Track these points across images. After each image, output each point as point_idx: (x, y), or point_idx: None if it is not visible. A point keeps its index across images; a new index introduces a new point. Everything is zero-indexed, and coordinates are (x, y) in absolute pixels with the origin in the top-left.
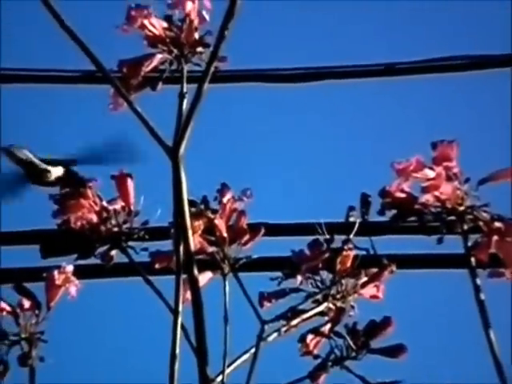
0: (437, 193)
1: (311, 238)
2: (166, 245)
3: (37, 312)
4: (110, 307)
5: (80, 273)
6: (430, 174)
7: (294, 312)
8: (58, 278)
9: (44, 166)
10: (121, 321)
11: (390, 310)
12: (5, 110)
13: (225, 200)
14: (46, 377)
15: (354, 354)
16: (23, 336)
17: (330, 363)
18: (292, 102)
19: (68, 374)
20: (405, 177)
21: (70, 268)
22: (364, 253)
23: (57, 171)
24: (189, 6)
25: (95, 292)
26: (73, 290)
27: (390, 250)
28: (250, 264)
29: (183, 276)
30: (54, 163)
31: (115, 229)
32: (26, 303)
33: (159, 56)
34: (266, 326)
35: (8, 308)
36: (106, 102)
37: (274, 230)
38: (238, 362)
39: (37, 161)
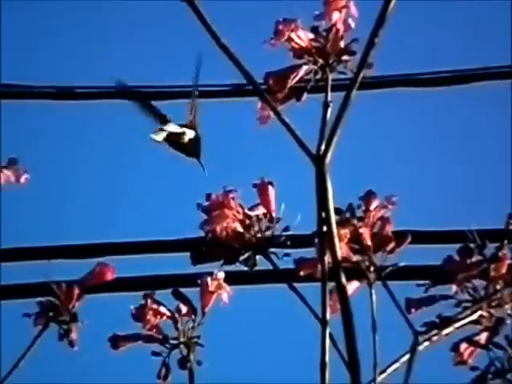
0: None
1: (458, 245)
2: (308, 252)
3: (193, 317)
4: (256, 313)
5: (229, 279)
6: None
7: (446, 320)
8: (211, 284)
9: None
10: (266, 327)
11: None
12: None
13: (370, 207)
14: (204, 380)
15: None
16: (182, 340)
17: (489, 375)
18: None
19: (222, 378)
20: None
21: (221, 274)
22: None
23: (190, 132)
24: (335, 16)
25: (242, 298)
26: (225, 296)
27: None
28: (396, 272)
29: (330, 284)
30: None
31: (258, 235)
32: (184, 308)
33: (305, 67)
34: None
35: (168, 313)
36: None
37: (421, 237)
38: (389, 370)
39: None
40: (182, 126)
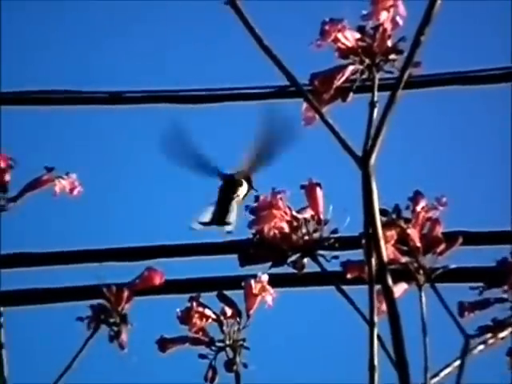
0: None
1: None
2: (356, 254)
3: (238, 320)
4: (303, 316)
5: (275, 282)
6: None
7: (500, 324)
8: (255, 287)
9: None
10: (314, 329)
11: None
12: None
13: (418, 208)
14: (250, 382)
15: None
16: (228, 343)
17: None
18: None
19: (268, 380)
20: None
21: (265, 277)
22: None
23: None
24: (383, 15)
25: (290, 300)
26: (269, 298)
27: None
28: (447, 274)
29: (377, 286)
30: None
31: (306, 237)
32: (228, 311)
33: (351, 67)
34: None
35: (213, 315)
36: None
37: (474, 238)
38: (442, 374)
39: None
40: (232, 179)
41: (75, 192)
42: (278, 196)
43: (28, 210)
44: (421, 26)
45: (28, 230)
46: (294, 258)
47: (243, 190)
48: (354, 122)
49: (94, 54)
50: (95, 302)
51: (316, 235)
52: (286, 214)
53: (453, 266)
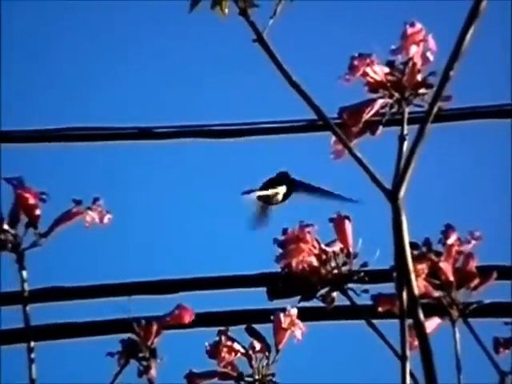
0: None
1: None
2: (386, 288)
3: (267, 354)
4: (333, 350)
5: (304, 315)
6: None
7: None
8: (284, 321)
9: (272, 190)
10: (344, 364)
11: None
12: None
13: (450, 241)
14: None
15: None
16: (257, 377)
17: None
18: None
19: None
20: None
21: (294, 311)
22: None
23: (282, 189)
24: (413, 50)
25: (320, 334)
26: (298, 332)
27: None
28: (481, 309)
29: (408, 321)
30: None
31: (335, 271)
32: (257, 345)
33: (380, 101)
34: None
35: (242, 350)
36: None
37: (508, 273)
38: None
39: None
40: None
41: (105, 220)
42: (306, 229)
43: (57, 244)
44: (450, 60)
45: (58, 265)
46: (323, 291)
47: (282, 188)
48: (384, 155)
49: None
50: (125, 336)
51: (345, 268)
52: (314, 247)
53: (487, 301)
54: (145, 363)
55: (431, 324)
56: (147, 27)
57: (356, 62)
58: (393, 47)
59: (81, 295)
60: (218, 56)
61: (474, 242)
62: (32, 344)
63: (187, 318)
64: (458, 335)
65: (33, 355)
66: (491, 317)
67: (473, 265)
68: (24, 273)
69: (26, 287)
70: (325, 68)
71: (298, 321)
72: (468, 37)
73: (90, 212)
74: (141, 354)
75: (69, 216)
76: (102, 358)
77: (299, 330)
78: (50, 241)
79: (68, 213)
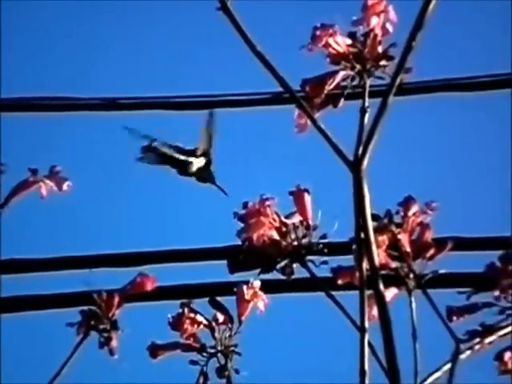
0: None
1: (500, 251)
2: (346, 260)
3: (230, 326)
4: (294, 322)
5: (266, 288)
6: None
7: (489, 328)
8: (247, 293)
9: (185, 158)
10: (304, 335)
11: None
12: None
13: (409, 213)
14: None
15: None
16: (219, 349)
17: None
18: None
19: None
20: None
21: (257, 283)
22: None
23: (198, 162)
24: (374, 21)
25: (280, 306)
26: (261, 304)
27: None
28: (437, 279)
29: (367, 292)
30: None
31: (294, 243)
32: (220, 317)
33: (342, 73)
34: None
35: (205, 321)
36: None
37: (463, 244)
38: (431, 379)
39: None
40: (191, 152)
41: (64, 187)
42: (266, 203)
43: (17, 215)
44: (412, 31)
45: (17, 237)
46: (282, 264)
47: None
48: (346, 128)
49: (94, 59)
50: (86, 308)
51: (305, 241)
52: (274, 220)
53: (442, 271)
54: (106, 335)
55: (389, 294)
56: None
57: (318, 32)
58: (354, 18)
59: (41, 267)
60: (181, 27)
61: (430, 213)
62: None
63: (149, 286)
64: (414, 305)
65: None
66: (446, 287)
67: (429, 236)
68: None
69: None
70: (289, 41)
71: (260, 293)
72: (431, 6)
73: (46, 181)
74: (101, 326)
75: (25, 186)
76: (63, 331)
77: (262, 301)
78: (7, 212)
79: (24, 182)
